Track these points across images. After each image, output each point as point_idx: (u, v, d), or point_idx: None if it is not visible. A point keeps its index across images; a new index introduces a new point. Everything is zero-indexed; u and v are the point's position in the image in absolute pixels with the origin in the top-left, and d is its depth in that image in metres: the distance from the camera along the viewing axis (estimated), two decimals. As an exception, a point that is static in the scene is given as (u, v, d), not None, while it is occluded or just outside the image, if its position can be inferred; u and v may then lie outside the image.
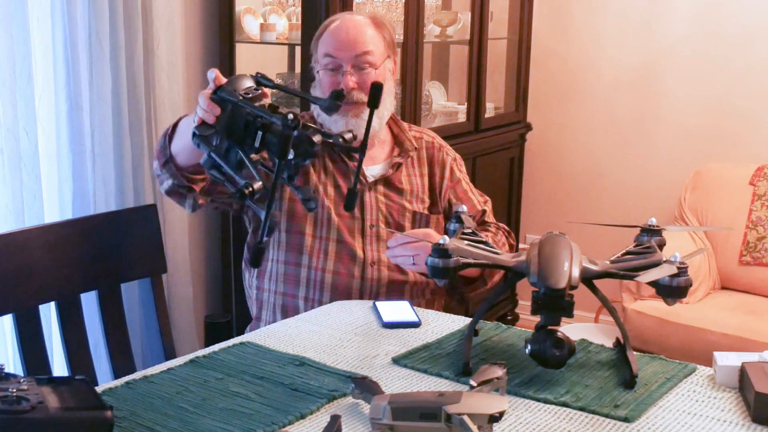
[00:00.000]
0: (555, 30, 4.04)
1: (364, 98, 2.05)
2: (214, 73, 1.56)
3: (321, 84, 2.12)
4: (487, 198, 2.30)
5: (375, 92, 1.45)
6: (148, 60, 2.64)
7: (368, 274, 2.04)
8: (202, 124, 1.51)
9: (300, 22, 2.87)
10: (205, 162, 1.47)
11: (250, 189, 1.33)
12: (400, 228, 2.09)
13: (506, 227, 2.26)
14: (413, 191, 2.15)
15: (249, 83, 1.52)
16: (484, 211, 2.24)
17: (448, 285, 1.93)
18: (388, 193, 2.14)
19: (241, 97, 1.45)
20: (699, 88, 3.74)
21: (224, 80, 1.54)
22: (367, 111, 2.03)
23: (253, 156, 1.45)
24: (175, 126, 1.85)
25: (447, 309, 2.10)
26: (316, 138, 1.39)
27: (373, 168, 2.15)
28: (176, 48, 2.72)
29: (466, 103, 3.59)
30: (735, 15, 3.63)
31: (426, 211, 2.13)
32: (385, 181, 2.14)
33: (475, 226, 1.64)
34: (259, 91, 1.48)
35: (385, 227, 2.09)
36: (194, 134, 1.49)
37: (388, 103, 2.14)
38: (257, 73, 1.55)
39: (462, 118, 3.57)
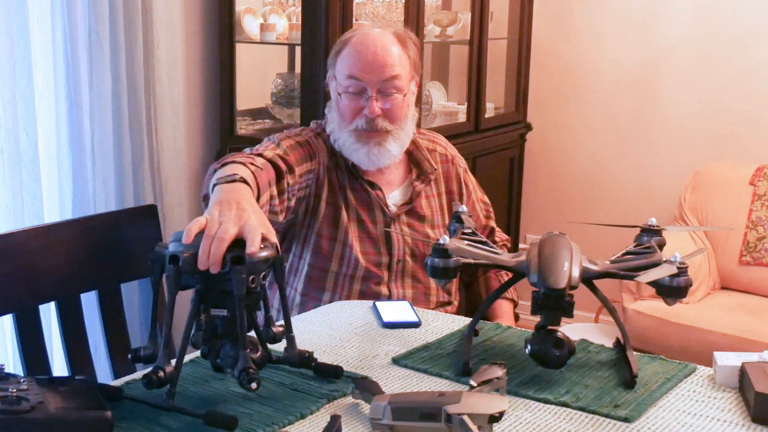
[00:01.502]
0: (555, 30, 4.04)
1: (389, 126, 1.96)
2: (270, 251, 1.25)
3: (339, 106, 1.97)
4: (488, 202, 2.26)
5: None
6: (148, 60, 2.64)
7: None
8: (191, 257, 1.22)
9: (300, 22, 2.87)
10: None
11: (156, 377, 1.22)
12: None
13: (506, 237, 2.25)
14: (434, 216, 2.08)
15: (262, 269, 1.24)
16: (492, 229, 2.21)
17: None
18: (412, 222, 2.05)
19: (241, 295, 1.21)
20: (699, 88, 3.74)
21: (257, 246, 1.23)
22: (391, 139, 1.95)
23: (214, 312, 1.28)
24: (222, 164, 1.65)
25: None
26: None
27: (392, 195, 2.05)
28: (176, 48, 2.72)
29: (466, 103, 3.59)
30: (735, 15, 3.63)
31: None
32: (407, 210, 2.05)
33: (475, 226, 1.63)
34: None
35: (411, 261, 2.02)
36: (172, 258, 1.21)
37: (409, 129, 2.02)
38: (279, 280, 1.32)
39: (462, 118, 3.57)
